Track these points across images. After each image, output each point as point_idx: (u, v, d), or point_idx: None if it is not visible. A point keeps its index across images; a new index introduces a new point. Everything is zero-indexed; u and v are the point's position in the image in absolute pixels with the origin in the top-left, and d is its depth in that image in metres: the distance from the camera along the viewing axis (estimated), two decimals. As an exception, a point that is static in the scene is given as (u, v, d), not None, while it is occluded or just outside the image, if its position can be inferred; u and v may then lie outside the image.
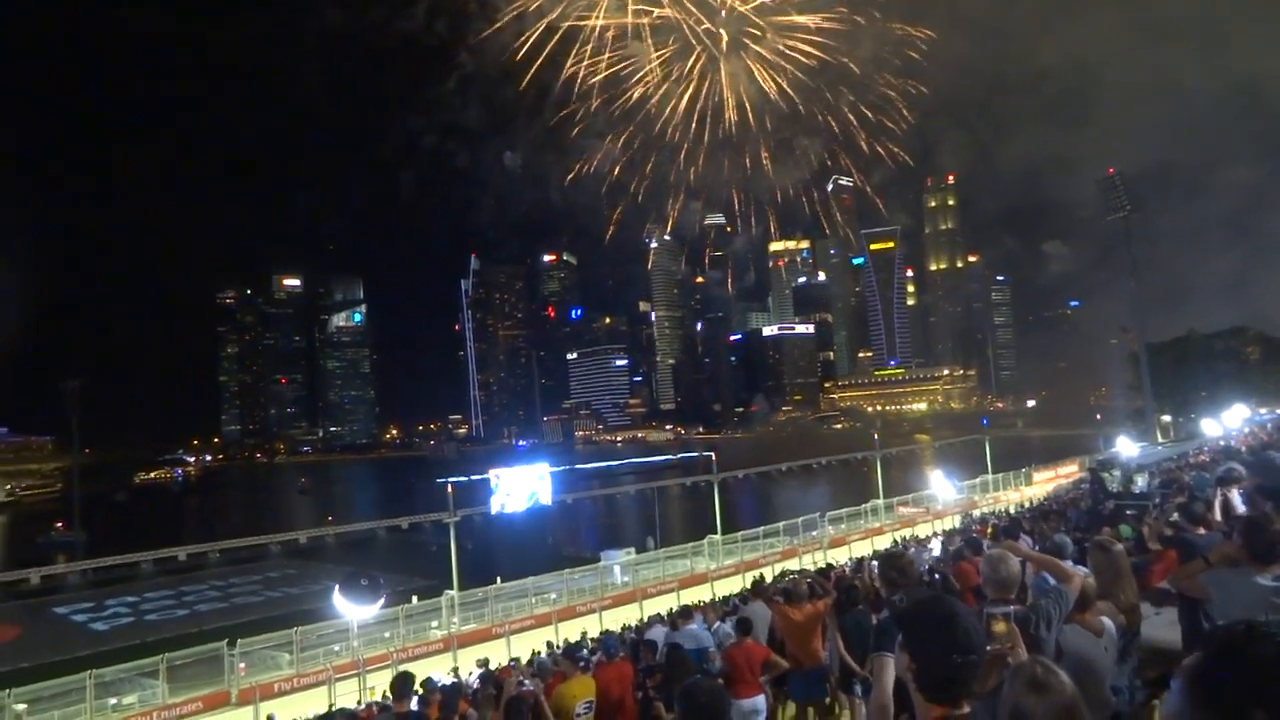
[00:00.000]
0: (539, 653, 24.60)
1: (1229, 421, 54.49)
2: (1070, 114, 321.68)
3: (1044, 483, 60.34)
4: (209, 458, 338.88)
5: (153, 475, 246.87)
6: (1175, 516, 8.68)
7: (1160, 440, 70.49)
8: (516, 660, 24.34)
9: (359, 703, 22.00)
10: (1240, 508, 7.50)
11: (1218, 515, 7.65)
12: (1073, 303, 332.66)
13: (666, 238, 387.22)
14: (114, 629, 52.75)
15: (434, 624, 34.54)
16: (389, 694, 13.03)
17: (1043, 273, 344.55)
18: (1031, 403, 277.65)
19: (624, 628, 24.10)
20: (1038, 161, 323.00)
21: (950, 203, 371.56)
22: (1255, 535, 4.78)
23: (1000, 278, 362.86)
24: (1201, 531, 7.16)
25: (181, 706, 26.46)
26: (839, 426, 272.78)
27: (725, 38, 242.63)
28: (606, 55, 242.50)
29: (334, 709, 21.78)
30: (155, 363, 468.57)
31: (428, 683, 12.90)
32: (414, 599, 36.39)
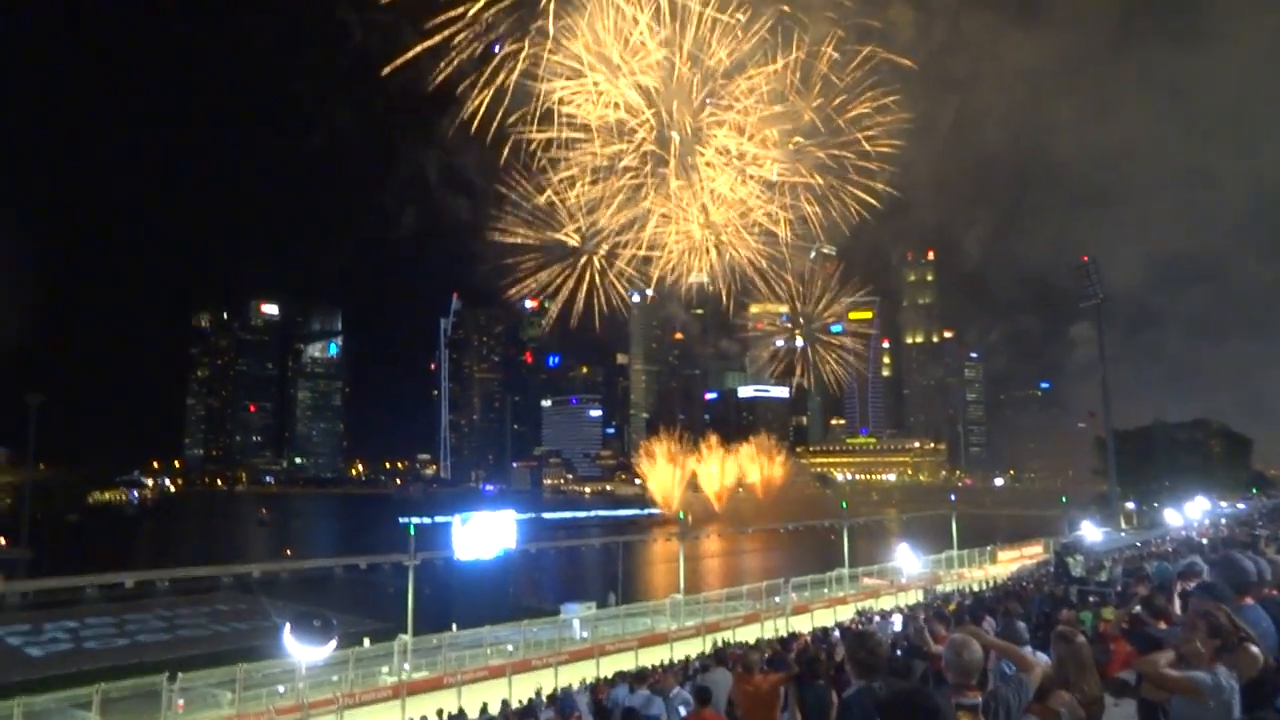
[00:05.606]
0: (487, 706, 24.02)
1: (1190, 512, 55.37)
2: (1087, 202, 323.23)
3: (1008, 562, 60.47)
4: (168, 482, 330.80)
5: (107, 496, 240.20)
6: (1138, 609, 8.74)
7: (1124, 527, 71.23)
8: (462, 712, 23.71)
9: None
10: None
11: (1177, 609, 7.72)
12: (1043, 384, 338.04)
13: (649, 292, 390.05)
14: (50, 655, 50.92)
15: (385, 669, 33.68)
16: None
17: (1019, 353, 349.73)
18: (999, 480, 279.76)
19: (583, 682, 23.62)
20: (1039, 247, 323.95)
21: (929, 279, 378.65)
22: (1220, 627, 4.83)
23: (973, 355, 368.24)
24: (1162, 625, 7.22)
25: (113, 742, 25.41)
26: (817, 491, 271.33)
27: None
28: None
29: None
30: (122, 381, 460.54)
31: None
32: (366, 641, 35.55)
